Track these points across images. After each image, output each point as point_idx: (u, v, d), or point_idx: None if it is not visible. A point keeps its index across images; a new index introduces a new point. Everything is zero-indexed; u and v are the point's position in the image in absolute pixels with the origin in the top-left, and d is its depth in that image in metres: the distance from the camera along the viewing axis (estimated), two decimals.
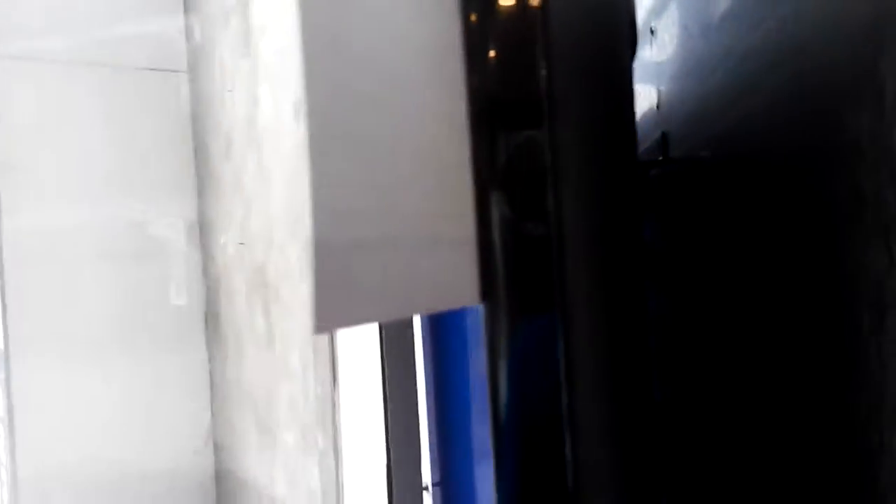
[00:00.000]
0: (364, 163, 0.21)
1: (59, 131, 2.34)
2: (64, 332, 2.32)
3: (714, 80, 0.42)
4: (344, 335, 1.79)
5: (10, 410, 2.23)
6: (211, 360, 2.58)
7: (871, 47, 0.24)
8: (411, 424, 1.61)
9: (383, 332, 1.59)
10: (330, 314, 0.20)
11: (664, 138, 0.46)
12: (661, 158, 0.46)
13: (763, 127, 0.35)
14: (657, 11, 0.50)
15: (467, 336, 1.44)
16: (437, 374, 1.54)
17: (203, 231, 2.57)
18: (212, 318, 2.57)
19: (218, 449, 2.61)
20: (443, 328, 1.52)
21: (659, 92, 0.50)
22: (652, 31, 0.51)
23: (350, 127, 0.21)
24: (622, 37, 0.33)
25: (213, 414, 2.62)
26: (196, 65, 2.54)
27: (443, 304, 0.23)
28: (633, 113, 0.35)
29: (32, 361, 2.26)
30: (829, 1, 0.28)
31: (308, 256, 0.21)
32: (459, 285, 0.22)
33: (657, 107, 0.49)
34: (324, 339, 1.82)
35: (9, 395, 2.23)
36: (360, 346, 1.71)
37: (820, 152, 0.29)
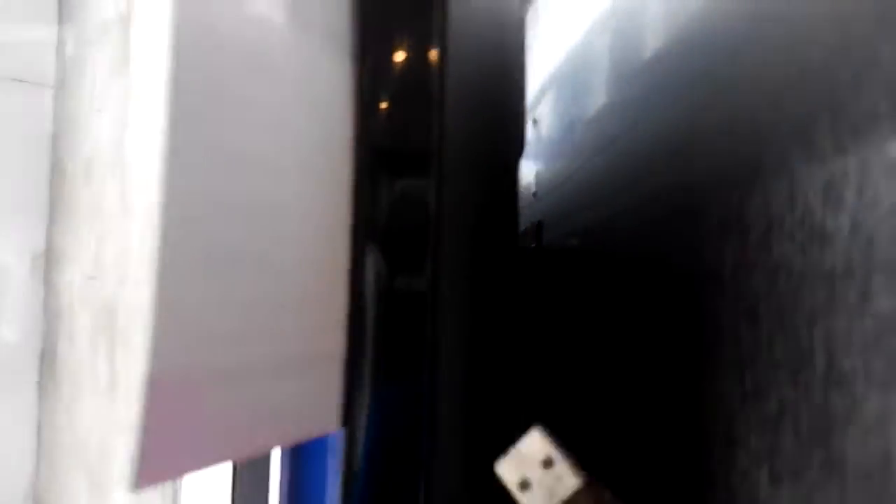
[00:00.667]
0: (224, 277, 0.15)
1: None
2: None
3: (583, 174, 0.39)
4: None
5: None
6: (41, 404, 2.30)
7: (740, 179, 0.22)
8: (261, 484, 1.48)
9: None
10: (158, 465, 0.13)
11: (539, 227, 0.42)
12: (533, 245, 0.42)
13: (623, 233, 0.33)
14: (539, 102, 0.47)
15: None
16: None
17: (49, 261, 2.32)
18: (47, 360, 2.30)
19: None
20: None
21: (538, 177, 0.47)
22: (535, 122, 0.49)
23: (211, 233, 0.16)
24: (514, 110, 0.30)
25: (37, 465, 2.32)
26: (65, 80, 2.35)
27: (302, 434, 0.18)
28: (517, 179, 0.32)
29: None
30: (694, 119, 0.26)
31: (138, 396, 0.14)
32: (322, 411, 0.17)
33: (533, 194, 0.46)
34: None
35: None
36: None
37: (678, 275, 0.27)
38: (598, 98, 0.36)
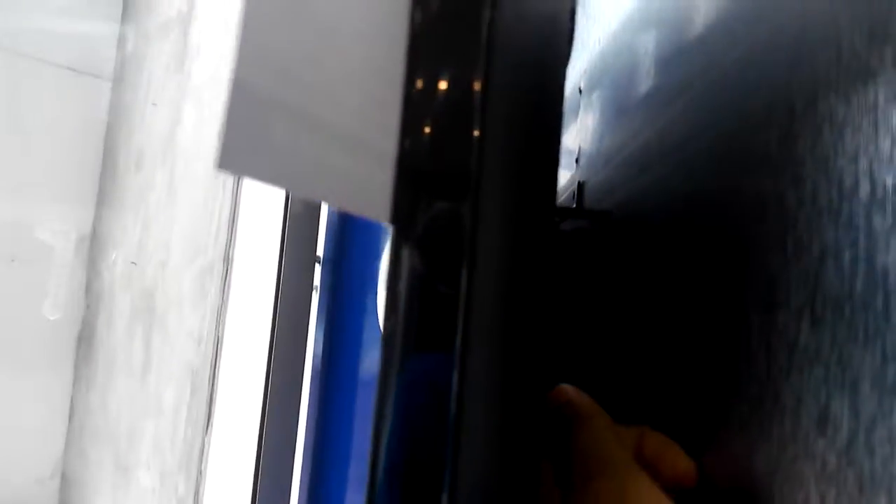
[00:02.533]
0: (304, 32, 0.18)
1: None
2: None
3: (631, 139, 0.41)
4: (225, 378, 1.68)
5: None
6: (75, 383, 2.37)
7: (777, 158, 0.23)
8: (285, 484, 1.51)
9: (270, 381, 1.50)
10: (235, 155, 0.16)
11: (580, 187, 0.45)
12: (574, 207, 0.45)
13: (665, 200, 0.34)
14: (587, 71, 0.50)
15: (354, 406, 1.38)
16: (318, 441, 1.46)
17: (94, 245, 2.41)
18: (85, 340, 2.37)
19: (66, 482, 2.37)
20: (330, 394, 1.45)
21: (580, 146, 0.49)
22: (580, 91, 0.51)
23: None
24: (556, 118, 0.32)
25: (66, 443, 2.39)
26: (122, 74, 2.44)
27: (351, 206, 0.20)
28: (555, 181, 0.34)
29: None
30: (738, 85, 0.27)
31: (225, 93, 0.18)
32: (373, 197, 0.20)
33: (576, 160, 0.49)
34: (204, 377, 1.71)
35: None
36: (242, 390, 1.61)
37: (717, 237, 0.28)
38: (647, 65, 0.38)
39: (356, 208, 0.20)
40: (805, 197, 0.21)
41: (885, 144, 0.18)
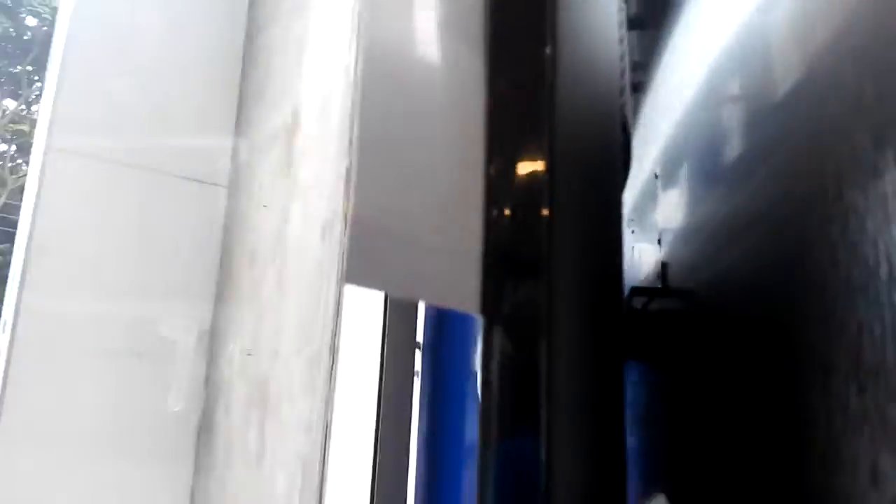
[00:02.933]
0: (401, 178, 0.24)
1: (95, 224, 2.44)
2: (57, 422, 2.29)
3: (705, 228, 0.44)
4: (335, 465, 1.74)
5: None
6: (196, 473, 2.50)
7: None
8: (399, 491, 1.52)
9: (377, 467, 1.55)
10: (356, 272, 0.22)
11: (664, 267, 0.48)
12: (660, 287, 0.48)
13: (743, 280, 0.37)
14: (661, 157, 0.54)
15: (459, 488, 1.39)
16: None
17: (213, 338, 2.58)
18: (205, 430, 2.51)
19: None
20: (434, 477, 1.48)
21: (660, 230, 0.53)
22: (656, 176, 0.55)
23: (391, 146, 0.25)
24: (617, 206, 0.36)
25: None
26: (236, 181, 2.68)
27: (447, 303, 0.26)
28: (620, 265, 0.38)
29: (20, 446, 2.22)
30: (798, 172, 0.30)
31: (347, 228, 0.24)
32: (464, 293, 0.25)
33: (658, 241, 0.52)
34: (314, 464, 1.77)
35: None
36: (351, 477, 1.66)
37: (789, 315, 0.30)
38: (713, 149, 0.41)
39: (451, 304, 0.25)
40: (841, 275, 0.24)
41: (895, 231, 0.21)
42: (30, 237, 2.32)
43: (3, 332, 2.58)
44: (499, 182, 0.24)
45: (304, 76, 2.24)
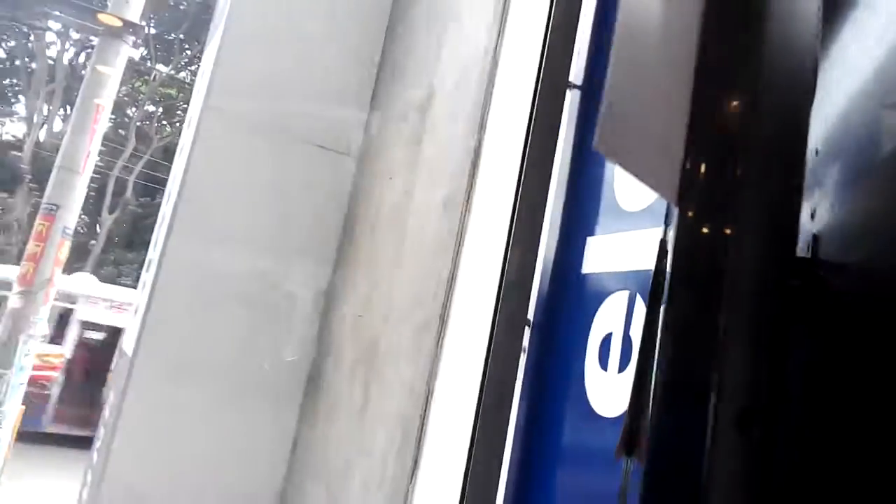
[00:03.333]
0: (638, 75, 0.30)
1: (238, 181, 2.64)
2: (185, 357, 2.51)
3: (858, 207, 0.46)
4: (434, 428, 1.81)
5: (117, 415, 2.40)
6: (301, 421, 2.66)
7: None
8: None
9: (476, 435, 1.60)
10: (603, 143, 0.29)
11: (815, 239, 0.50)
12: (810, 257, 0.50)
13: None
14: (825, 135, 0.55)
15: (554, 466, 1.43)
16: (519, 494, 1.52)
17: (329, 298, 2.74)
18: (313, 381, 2.67)
19: None
20: (531, 452, 1.52)
21: (816, 203, 0.54)
22: (816, 152, 0.56)
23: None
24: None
25: (287, 475, 2.67)
26: (366, 152, 2.81)
27: (657, 189, 0.32)
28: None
29: (151, 376, 2.45)
30: None
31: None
32: (669, 183, 0.31)
33: (811, 215, 0.54)
34: (414, 425, 1.86)
35: (121, 402, 2.41)
36: (449, 441, 1.73)
37: None
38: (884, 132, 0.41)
39: (660, 191, 0.30)
40: None
41: None
42: (181, 186, 2.55)
43: (147, 270, 2.85)
44: (700, 124, 0.28)
45: (442, 56, 2.32)
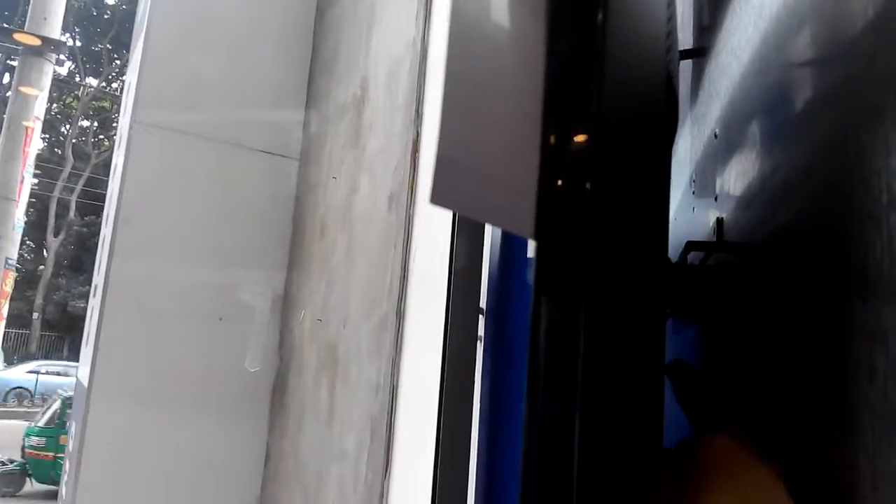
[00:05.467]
0: (477, 123, 0.30)
1: (177, 195, 2.57)
2: (144, 379, 2.46)
3: (759, 185, 0.46)
4: (402, 424, 1.81)
5: (80, 446, 2.34)
6: (271, 430, 2.64)
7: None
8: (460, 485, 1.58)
9: (442, 427, 1.61)
10: (439, 196, 0.28)
11: (719, 223, 0.51)
12: (715, 241, 0.51)
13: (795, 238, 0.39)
14: (721, 118, 0.56)
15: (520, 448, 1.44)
16: (489, 479, 1.53)
17: (286, 304, 2.70)
18: (279, 390, 2.65)
19: None
20: (496, 437, 1.53)
21: (718, 185, 0.55)
22: (715, 135, 0.57)
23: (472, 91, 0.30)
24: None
25: (262, 485, 2.64)
26: (307, 153, 2.77)
27: (509, 228, 0.32)
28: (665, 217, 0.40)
29: (111, 402, 2.39)
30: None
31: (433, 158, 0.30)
32: (522, 220, 0.30)
33: (715, 197, 0.54)
34: (382, 423, 1.85)
35: (83, 431, 2.35)
36: (417, 436, 1.73)
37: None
38: (782, 100, 0.42)
39: (512, 229, 0.29)
40: (872, 210, 0.26)
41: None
42: (118, 207, 2.47)
43: (94, 296, 2.77)
44: (552, 131, 0.27)
45: (372, 49, 2.29)
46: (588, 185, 0.30)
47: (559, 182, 0.32)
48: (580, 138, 0.31)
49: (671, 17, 0.43)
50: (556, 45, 0.31)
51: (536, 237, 0.32)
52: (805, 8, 0.40)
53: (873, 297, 0.26)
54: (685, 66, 0.73)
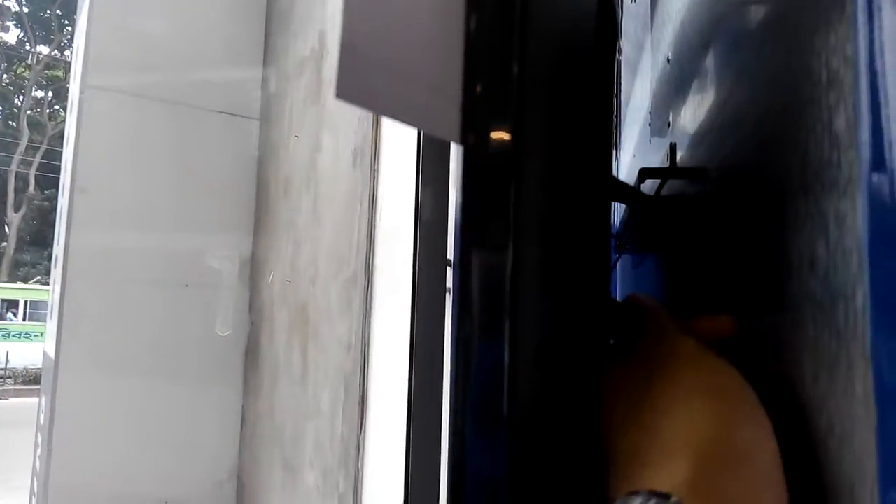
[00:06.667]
0: (387, 16, 0.28)
1: (134, 161, 2.50)
2: (112, 349, 2.42)
3: (712, 109, 0.45)
4: (375, 379, 1.81)
5: (51, 419, 2.31)
6: (245, 393, 2.63)
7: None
8: (433, 475, 1.60)
9: (413, 380, 1.62)
10: (346, 90, 0.25)
11: (672, 148, 0.50)
12: (668, 167, 0.50)
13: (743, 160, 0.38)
14: (674, 42, 0.54)
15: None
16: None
17: (254, 267, 2.67)
18: (251, 352, 2.63)
19: (240, 485, 2.63)
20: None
21: (671, 111, 0.54)
22: (668, 60, 0.56)
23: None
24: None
25: (240, 448, 2.65)
26: (268, 112, 2.70)
27: (431, 131, 0.29)
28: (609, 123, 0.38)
29: (79, 373, 2.36)
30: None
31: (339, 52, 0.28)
32: (446, 125, 0.28)
33: (668, 124, 0.53)
34: (355, 380, 1.86)
35: (52, 404, 2.32)
36: (390, 391, 1.74)
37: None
38: (722, 35, 0.41)
39: (434, 132, 0.28)
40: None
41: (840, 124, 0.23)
42: (73, 176, 2.40)
43: (55, 267, 2.71)
44: (475, 35, 0.26)
45: (328, 0, 2.23)
46: (517, 83, 0.29)
47: (486, 81, 0.30)
48: (508, 34, 0.29)
49: None
50: None
51: (462, 141, 0.30)
52: None
53: (816, 183, 0.25)
54: None
